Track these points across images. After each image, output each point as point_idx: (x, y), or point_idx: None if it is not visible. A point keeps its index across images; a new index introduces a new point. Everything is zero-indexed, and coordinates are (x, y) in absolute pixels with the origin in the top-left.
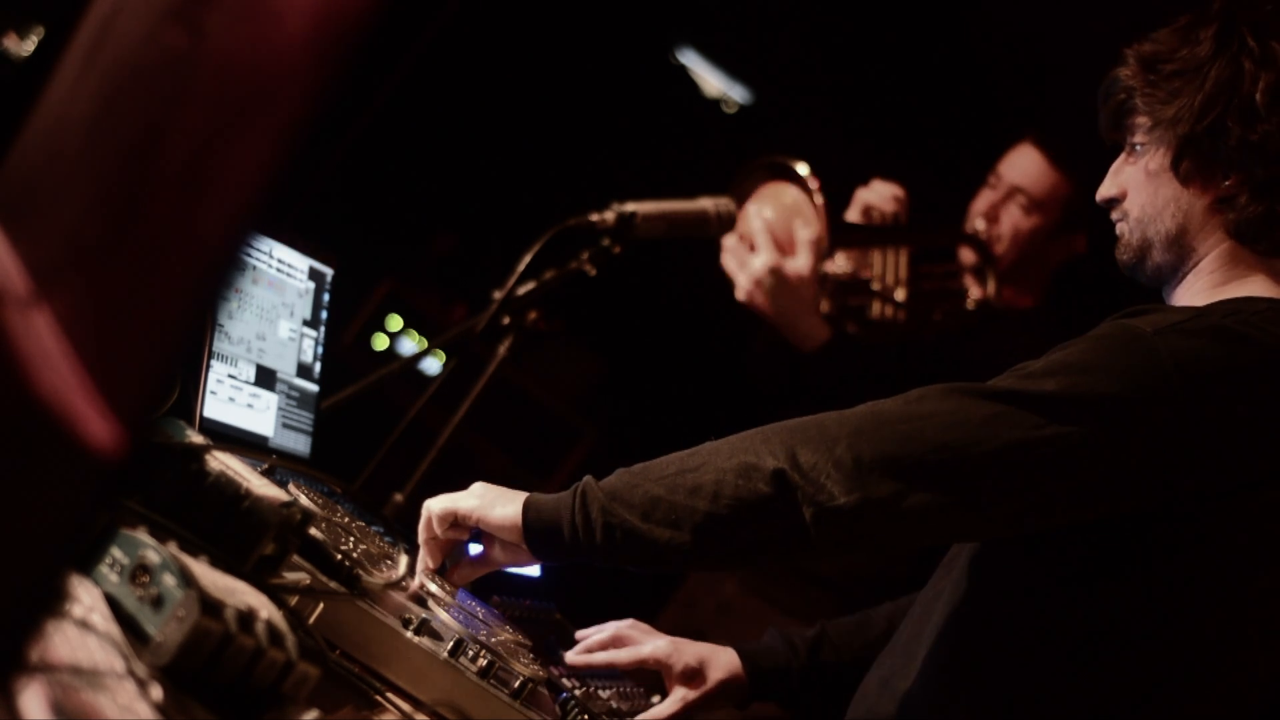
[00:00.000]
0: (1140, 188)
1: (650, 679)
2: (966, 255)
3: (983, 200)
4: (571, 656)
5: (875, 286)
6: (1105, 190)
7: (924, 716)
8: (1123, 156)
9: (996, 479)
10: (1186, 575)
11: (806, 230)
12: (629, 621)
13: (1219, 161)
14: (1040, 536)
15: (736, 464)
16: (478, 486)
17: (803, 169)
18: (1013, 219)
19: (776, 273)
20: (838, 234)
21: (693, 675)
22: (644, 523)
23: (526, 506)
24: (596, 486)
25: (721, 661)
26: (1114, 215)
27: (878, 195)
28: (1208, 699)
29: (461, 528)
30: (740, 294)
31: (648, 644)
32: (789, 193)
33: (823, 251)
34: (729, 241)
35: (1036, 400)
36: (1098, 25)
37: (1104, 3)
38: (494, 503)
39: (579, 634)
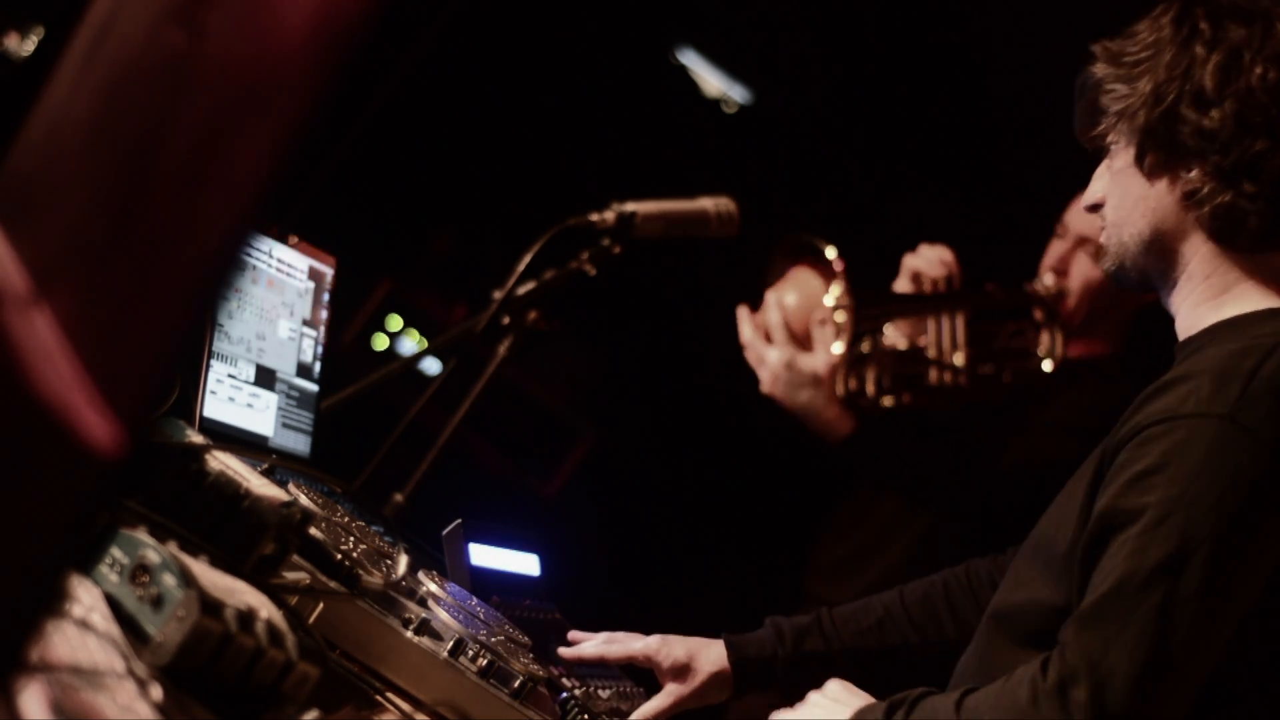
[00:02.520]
0: (1112, 189)
1: (650, 679)
2: (1036, 311)
3: (1052, 253)
4: (563, 650)
5: (932, 354)
6: (1088, 196)
7: None
8: (1106, 159)
9: (1200, 656)
10: None
11: (823, 327)
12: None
13: (1179, 152)
14: None
15: None
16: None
17: (830, 252)
18: (1082, 270)
19: (791, 368)
20: (878, 306)
21: (682, 670)
22: None
23: None
24: None
25: (711, 655)
26: (1099, 223)
27: (925, 261)
28: None
29: None
30: (762, 387)
31: (638, 641)
32: (811, 279)
33: (847, 338)
34: (746, 334)
35: (1183, 558)
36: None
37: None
38: None
39: (572, 635)
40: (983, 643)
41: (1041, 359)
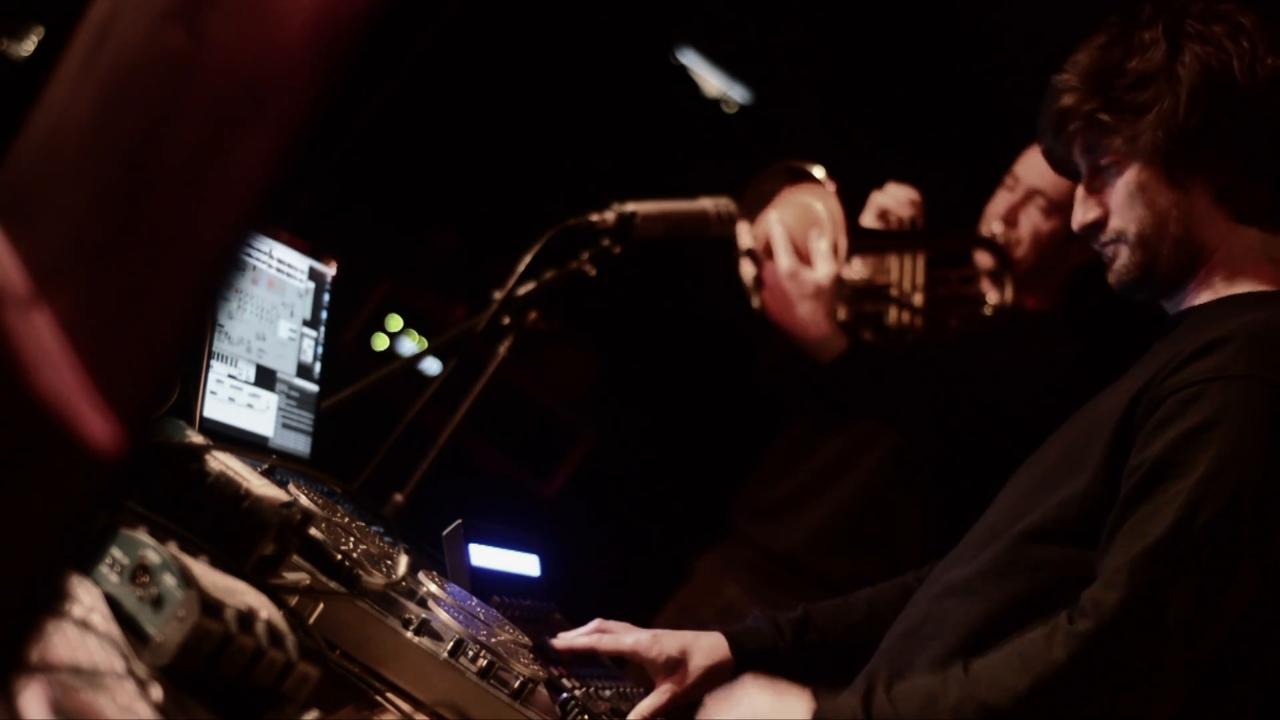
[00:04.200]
0: (1130, 205)
1: (648, 679)
2: (983, 259)
3: (999, 202)
4: (556, 641)
5: (893, 293)
6: (1085, 216)
7: None
8: (1086, 180)
9: (1246, 611)
10: None
11: (823, 239)
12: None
13: (1212, 155)
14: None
15: None
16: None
17: (819, 172)
18: (1032, 221)
19: (794, 279)
20: (854, 239)
21: (675, 666)
22: None
23: None
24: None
25: (704, 647)
26: (1102, 239)
27: (893, 199)
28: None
29: None
30: (756, 301)
31: (629, 636)
32: (808, 199)
33: (842, 259)
34: (746, 244)
35: (1235, 519)
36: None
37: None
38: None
39: (561, 634)
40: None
41: (991, 305)
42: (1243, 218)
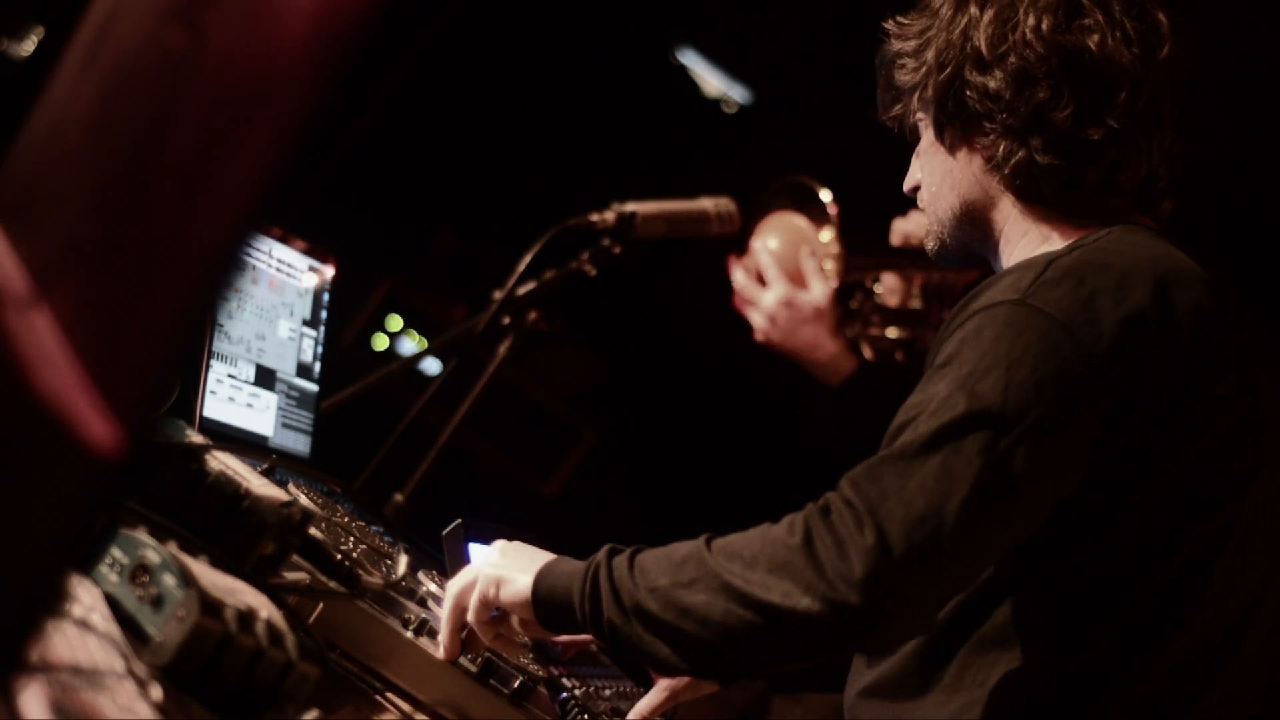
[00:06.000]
0: (924, 170)
1: (648, 679)
2: None
3: None
4: (559, 638)
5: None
6: (907, 181)
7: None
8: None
9: (983, 522)
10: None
11: (811, 259)
12: None
13: (972, 119)
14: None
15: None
16: (493, 555)
17: (825, 194)
18: None
19: (791, 305)
20: (869, 255)
21: None
22: (645, 628)
23: (537, 583)
24: (607, 577)
25: None
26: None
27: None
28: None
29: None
30: (758, 334)
31: None
32: (793, 221)
33: (840, 274)
34: (739, 279)
35: (968, 422)
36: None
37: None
38: (505, 578)
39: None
40: None
41: None
42: (1018, 193)
